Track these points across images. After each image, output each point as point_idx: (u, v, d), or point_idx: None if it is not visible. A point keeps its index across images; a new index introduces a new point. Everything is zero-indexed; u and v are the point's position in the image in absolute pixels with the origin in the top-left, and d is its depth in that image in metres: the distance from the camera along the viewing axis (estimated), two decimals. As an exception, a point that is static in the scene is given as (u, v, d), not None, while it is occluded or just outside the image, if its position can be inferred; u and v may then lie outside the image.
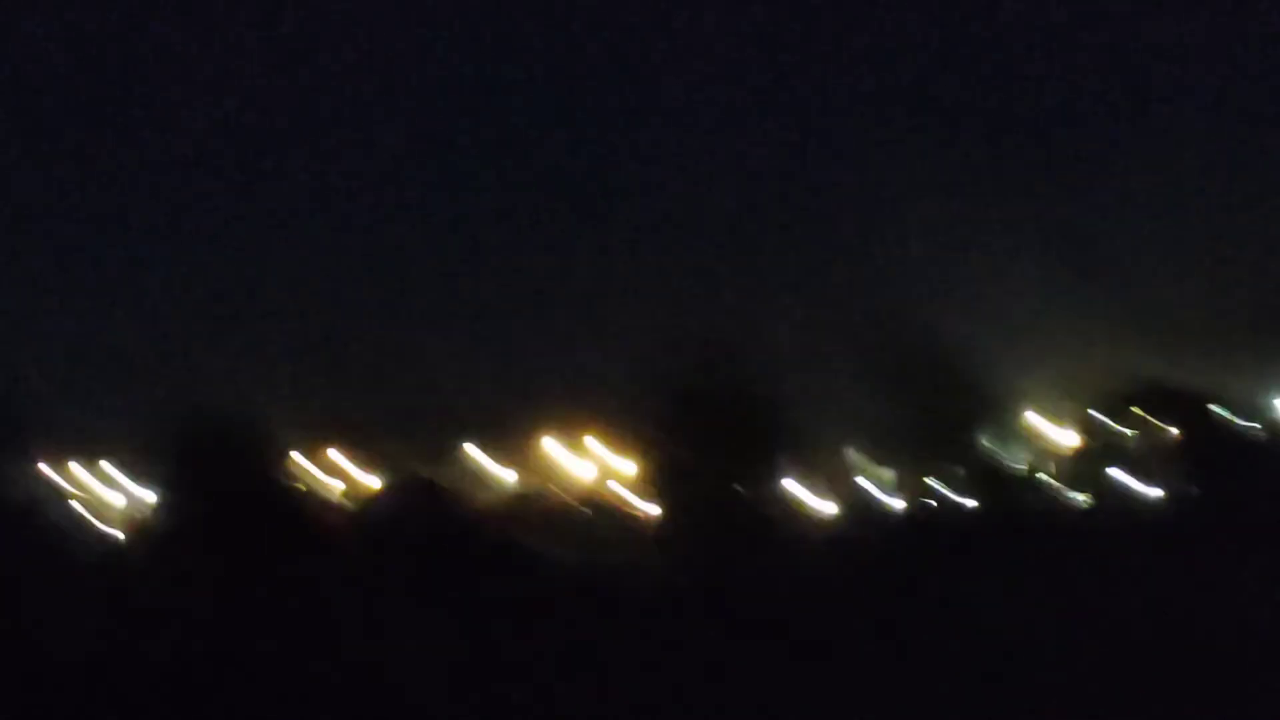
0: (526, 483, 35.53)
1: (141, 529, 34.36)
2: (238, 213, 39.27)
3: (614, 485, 35.12)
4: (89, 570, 32.77)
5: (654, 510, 34.63)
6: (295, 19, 40.47)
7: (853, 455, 36.82)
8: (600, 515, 34.69)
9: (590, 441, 35.67)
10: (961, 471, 36.89)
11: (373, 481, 34.99)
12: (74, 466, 35.14)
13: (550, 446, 35.64)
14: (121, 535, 34.86)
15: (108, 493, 35.20)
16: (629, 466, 35.14)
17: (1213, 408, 37.46)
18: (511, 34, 42.22)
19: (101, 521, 34.76)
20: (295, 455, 34.79)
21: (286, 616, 31.23)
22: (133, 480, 35.09)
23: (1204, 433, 37.37)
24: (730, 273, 40.17)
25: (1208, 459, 37.15)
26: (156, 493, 34.64)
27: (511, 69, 42.33)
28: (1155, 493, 37.06)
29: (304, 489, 34.73)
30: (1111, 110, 44.74)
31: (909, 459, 37.22)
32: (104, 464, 35.20)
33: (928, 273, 41.76)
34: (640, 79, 42.19)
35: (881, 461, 37.03)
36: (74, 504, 34.60)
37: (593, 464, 35.69)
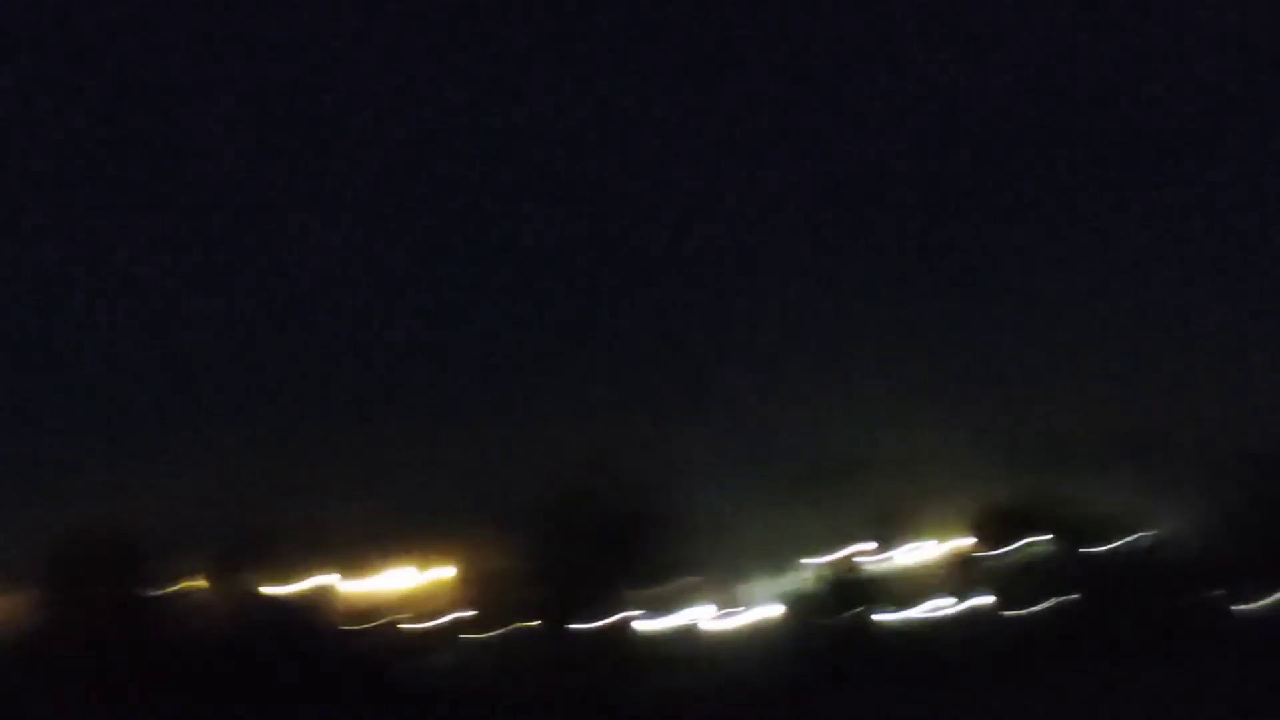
0: (378, 601, 36.12)
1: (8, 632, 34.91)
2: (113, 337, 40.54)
3: (461, 604, 35.61)
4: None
5: (500, 628, 34.92)
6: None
7: (717, 573, 37.17)
8: (445, 635, 35.12)
9: (440, 563, 36.26)
10: (824, 586, 37.10)
11: (236, 595, 35.42)
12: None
13: (402, 566, 36.25)
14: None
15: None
16: (477, 586, 35.53)
17: (1076, 528, 37.71)
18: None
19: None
20: (164, 568, 35.32)
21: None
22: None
23: (1066, 551, 37.57)
24: (602, 396, 40.71)
25: (1071, 576, 37.34)
26: (24, 598, 35.19)
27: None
28: (1019, 608, 37.26)
29: (170, 600, 35.26)
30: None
31: (769, 573, 37.44)
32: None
33: (816, 386, 42.07)
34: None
35: (738, 577, 37.29)
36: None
37: (439, 584, 36.25)
